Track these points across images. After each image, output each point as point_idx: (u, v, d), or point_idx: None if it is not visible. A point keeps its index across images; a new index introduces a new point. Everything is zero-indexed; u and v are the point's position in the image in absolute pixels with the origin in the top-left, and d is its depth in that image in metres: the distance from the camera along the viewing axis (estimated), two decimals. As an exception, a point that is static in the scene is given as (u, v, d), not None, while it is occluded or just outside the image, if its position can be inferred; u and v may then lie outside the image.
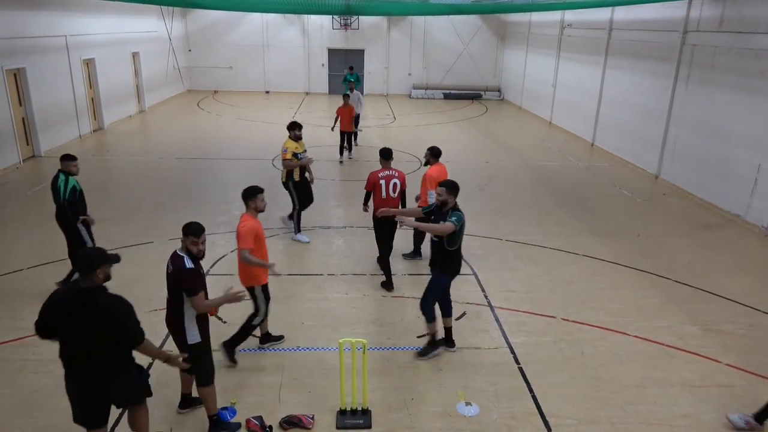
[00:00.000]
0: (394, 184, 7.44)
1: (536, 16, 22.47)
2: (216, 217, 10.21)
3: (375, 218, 7.48)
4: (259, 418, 4.99)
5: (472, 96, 26.87)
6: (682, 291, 7.83)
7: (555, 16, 20.30)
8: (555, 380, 5.74)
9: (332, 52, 27.26)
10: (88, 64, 16.91)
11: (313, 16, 26.32)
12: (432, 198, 7.31)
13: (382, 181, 7.41)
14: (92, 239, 7.35)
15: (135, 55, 20.52)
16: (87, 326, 3.82)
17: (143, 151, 15.44)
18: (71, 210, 7.15)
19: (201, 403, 5.02)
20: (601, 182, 13.25)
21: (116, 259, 4.06)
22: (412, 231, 8.44)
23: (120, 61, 19.21)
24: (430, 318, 5.99)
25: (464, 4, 17.39)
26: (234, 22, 26.22)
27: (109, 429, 4.47)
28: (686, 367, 6.03)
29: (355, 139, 15.53)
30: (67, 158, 7.20)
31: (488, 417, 5.19)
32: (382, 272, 7.87)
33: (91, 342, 3.85)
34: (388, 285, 7.63)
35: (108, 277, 3.96)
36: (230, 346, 5.88)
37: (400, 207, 7.48)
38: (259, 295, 5.84)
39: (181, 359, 4.44)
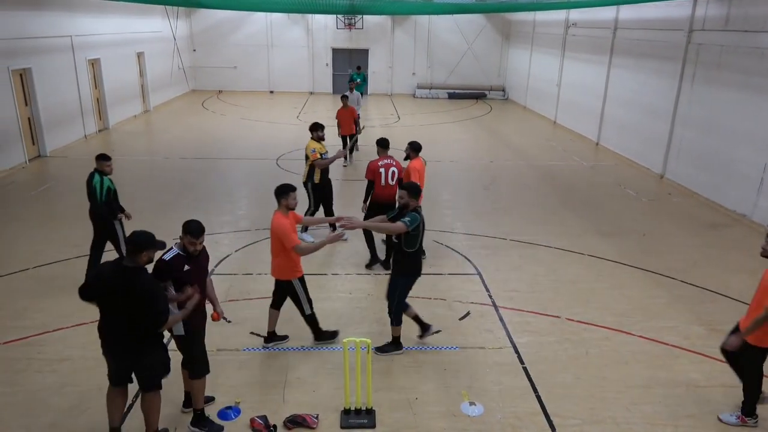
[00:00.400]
0: (393, 172, 7.83)
1: (541, 16, 22.42)
2: (220, 216, 10.23)
3: (371, 205, 7.89)
4: (264, 418, 5.00)
5: (477, 95, 26.83)
6: (687, 291, 7.80)
7: (560, 15, 20.25)
8: (559, 380, 5.72)
9: (336, 52, 27.27)
10: (94, 64, 16.97)
11: (317, 16, 26.34)
12: None
13: (382, 170, 7.80)
14: (125, 236, 7.48)
15: (140, 55, 20.58)
16: (122, 301, 4.20)
17: (148, 151, 15.49)
18: (108, 210, 7.39)
19: (206, 402, 5.05)
20: (606, 182, 13.21)
21: (162, 245, 4.42)
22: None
23: (125, 61, 19.28)
24: (397, 321, 5.98)
25: (468, 4, 17.39)
26: (238, 22, 26.27)
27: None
28: (692, 368, 6.01)
29: (355, 143, 14.94)
30: (102, 158, 7.41)
31: (492, 417, 5.17)
32: (386, 272, 7.89)
33: (123, 316, 4.24)
34: (373, 261, 8.03)
35: (151, 260, 4.34)
36: (320, 337, 6.23)
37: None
38: (298, 287, 5.92)
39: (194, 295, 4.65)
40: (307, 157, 8.93)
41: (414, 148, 8.08)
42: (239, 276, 7.87)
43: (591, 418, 5.19)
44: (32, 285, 7.48)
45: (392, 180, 7.83)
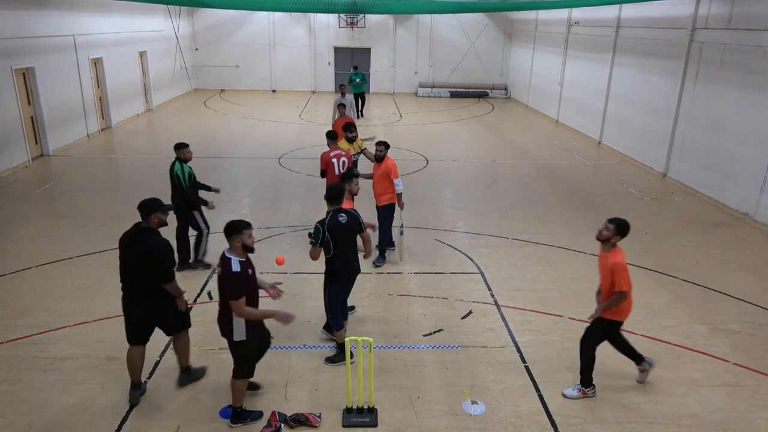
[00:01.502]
0: (344, 162, 8.32)
1: (543, 14, 22.38)
2: (222, 215, 10.19)
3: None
4: (283, 416, 5.02)
5: (479, 94, 26.81)
6: (689, 290, 7.79)
7: (562, 13, 20.22)
8: (561, 379, 5.72)
9: (339, 51, 27.27)
10: (96, 63, 17.00)
11: (319, 15, 26.34)
12: (400, 186, 7.90)
13: (334, 160, 8.31)
14: (205, 222, 8.08)
15: (142, 54, 20.60)
16: (134, 258, 4.79)
17: (150, 150, 15.51)
18: (195, 195, 7.78)
19: (256, 389, 5.34)
20: (608, 181, 13.19)
21: (169, 207, 5.05)
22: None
23: (127, 60, 19.30)
24: (338, 327, 5.94)
25: (471, 3, 17.34)
26: (241, 20, 26.28)
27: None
28: (694, 367, 6.01)
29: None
30: (181, 146, 7.75)
31: (494, 416, 5.18)
32: (388, 272, 7.91)
33: (135, 271, 4.82)
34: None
35: (162, 223, 4.94)
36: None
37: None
38: None
39: (186, 307, 5.15)
40: None
41: (387, 147, 8.17)
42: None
43: (593, 417, 5.19)
44: (35, 284, 7.50)
45: (344, 168, 8.24)
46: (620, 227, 5.22)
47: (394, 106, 23.70)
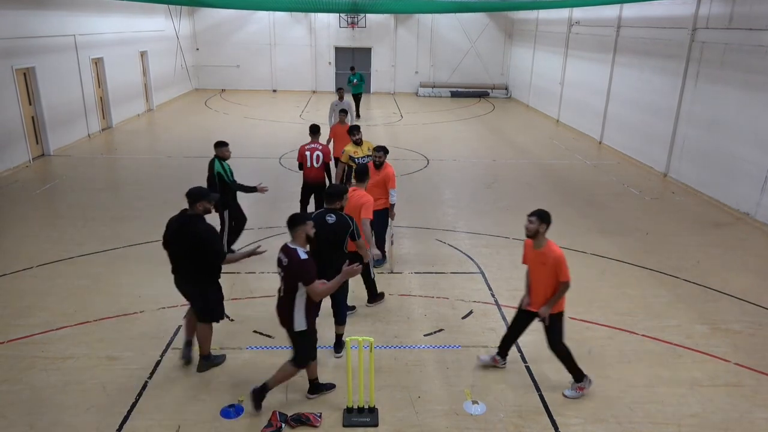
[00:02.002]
0: (317, 156, 8.79)
1: (544, 14, 22.37)
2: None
3: (303, 185, 9.05)
4: (284, 416, 5.02)
5: (480, 94, 26.81)
6: (690, 290, 7.79)
7: (563, 13, 20.21)
8: (562, 379, 5.71)
9: (339, 51, 27.27)
10: (97, 63, 17.01)
11: (320, 15, 26.35)
12: (395, 197, 7.75)
13: (308, 153, 8.81)
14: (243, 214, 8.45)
15: (143, 54, 20.61)
16: (183, 243, 5.24)
17: (151, 149, 15.52)
18: (241, 186, 8.07)
19: (328, 389, 5.42)
20: (609, 180, 13.19)
21: (214, 197, 5.44)
22: None
23: (128, 60, 19.31)
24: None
25: (471, 2, 17.33)
26: (241, 20, 26.29)
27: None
28: (695, 367, 6.00)
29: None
30: (221, 144, 8.00)
31: (495, 416, 5.18)
32: (388, 272, 7.90)
33: (184, 256, 5.28)
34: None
35: (207, 210, 5.31)
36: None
37: (325, 177, 8.98)
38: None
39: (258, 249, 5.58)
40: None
41: (386, 152, 7.92)
42: (242, 275, 7.88)
43: (593, 417, 5.19)
44: (36, 283, 7.51)
45: (317, 163, 8.78)
46: (542, 216, 5.29)
47: (395, 106, 23.70)
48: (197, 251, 5.19)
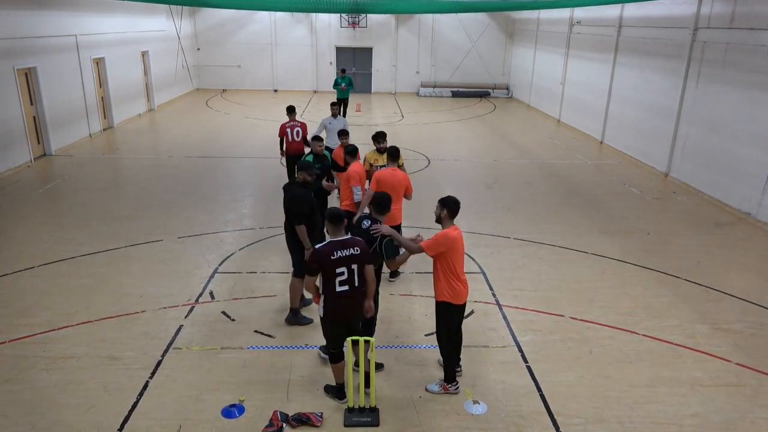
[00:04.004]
0: (297, 131, 10.39)
1: (545, 14, 22.36)
2: (224, 215, 10.26)
3: (286, 156, 10.58)
4: (285, 416, 5.02)
5: (481, 94, 26.80)
6: (691, 290, 7.78)
7: (564, 13, 20.20)
8: (563, 379, 5.72)
9: (340, 51, 27.27)
10: (98, 63, 17.02)
11: (321, 15, 26.35)
12: (359, 195, 7.36)
13: (288, 129, 10.41)
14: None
15: (144, 54, 20.63)
16: (284, 201, 6.34)
17: (152, 149, 15.53)
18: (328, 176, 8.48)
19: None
20: (610, 180, 13.18)
21: (315, 170, 6.45)
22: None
23: (129, 60, 19.33)
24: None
25: (472, 2, 17.33)
26: (242, 20, 26.30)
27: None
28: (696, 367, 6.00)
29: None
30: (316, 138, 8.54)
31: (496, 416, 5.18)
32: (388, 272, 7.91)
33: (284, 214, 6.35)
34: None
35: (306, 181, 6.31)
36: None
37: (304, 148, 10.17)
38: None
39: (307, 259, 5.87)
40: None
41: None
42: (243, 274, 7.89)
43: (594, 417, 5.19)
44: (37, 283, 7.52)
45: (297, 137, 10.39)
46: (445, 203, 5.29)
47: (396, 106, 23.70)
48: (288, 211, 6.20)
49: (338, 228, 4.96)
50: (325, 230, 5.71)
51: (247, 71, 27.04)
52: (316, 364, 5.90)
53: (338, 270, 4.84)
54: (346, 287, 4.90)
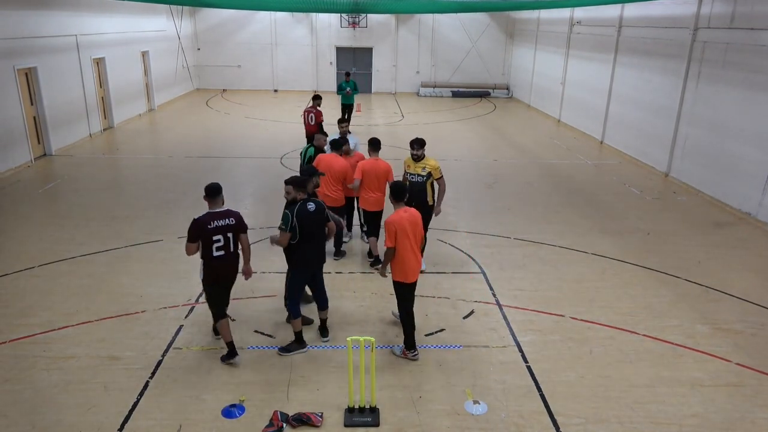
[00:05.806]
0: (311, 116, 12.89)
1: (545, 14, 22.36)
2: (225, 215, 10.24)
3: (306, 136, 12.88)
4: (285, 416, 5.02)
5: (481, 94, 26.80)
6: (692, 290, 7.78)
7: (564, 13, 20.20)
8: (563, 379, 5.72)
9: (340, 51, 27.27)
10: (98, 63, 17.02)
11: (321, 15, 26.35)
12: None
13: (305, 113, 12.99)
14: None
15: (144, 54, 20.63)
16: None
17: (152, 149, 15.53)
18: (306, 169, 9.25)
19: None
20: (610, 180, 13.18)
21: (313, 181, 6.44)
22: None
23: (129, 60, 19.33)
24: (295, 314, 6.05)
25: (472, 2, 17.33)
26: (243, 20, 26.30)
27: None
28: (696, 367, 6.00)
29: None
30: (322, 133, 9.17)
31: (496, 415, 5.18)
32: (389, 272, 7.91)
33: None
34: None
35: (316, 186, 6.56)
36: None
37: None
38: None
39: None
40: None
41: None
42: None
43: (595, 417, 5.18)
44: (38, 283, 7.52)
45: (311, 122, 12.75)
46: (392, 191, 5.89)
47: (396, 106, 23.70)
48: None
49: (215, 200, 5.55)
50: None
51: (248, 71, 27.04)
52: (315, 363, 5.90)
53: (215, 237, 5.46)
54: (222, 252, 5.53)
